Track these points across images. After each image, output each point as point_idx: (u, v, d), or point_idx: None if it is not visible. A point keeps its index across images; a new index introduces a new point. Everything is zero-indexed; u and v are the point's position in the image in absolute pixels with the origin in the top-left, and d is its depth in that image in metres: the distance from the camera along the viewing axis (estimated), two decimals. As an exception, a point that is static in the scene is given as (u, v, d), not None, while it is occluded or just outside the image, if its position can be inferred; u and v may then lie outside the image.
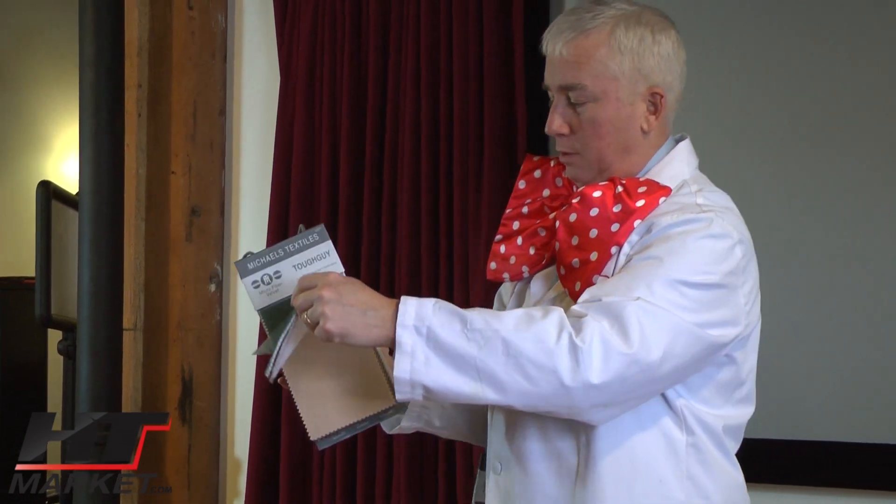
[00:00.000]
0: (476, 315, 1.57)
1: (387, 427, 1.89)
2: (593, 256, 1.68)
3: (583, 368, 1.53)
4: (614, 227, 1.68)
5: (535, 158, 1.84)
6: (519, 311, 1.58)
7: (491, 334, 1.55)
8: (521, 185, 1.84)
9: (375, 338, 1.58)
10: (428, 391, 1.56)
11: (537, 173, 1.83)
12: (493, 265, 1.82)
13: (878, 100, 2.82)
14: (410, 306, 1.56)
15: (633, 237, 1.68)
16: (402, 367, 1.55)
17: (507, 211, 1.84)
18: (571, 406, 1.56)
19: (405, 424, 1.87)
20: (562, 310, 1.57)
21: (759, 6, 2.95)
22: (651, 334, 1.57)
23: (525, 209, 1.82)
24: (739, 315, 1.67)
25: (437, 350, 1.55)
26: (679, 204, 1.69)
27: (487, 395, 1.56)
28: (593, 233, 1.69)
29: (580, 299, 1.63)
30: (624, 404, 1.61)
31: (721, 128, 2.94)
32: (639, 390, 1.60)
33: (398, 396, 1.58)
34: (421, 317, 1.56)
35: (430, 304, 1.57)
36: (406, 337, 1.55)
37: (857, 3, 2.86)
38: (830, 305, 2.83)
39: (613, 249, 1.68)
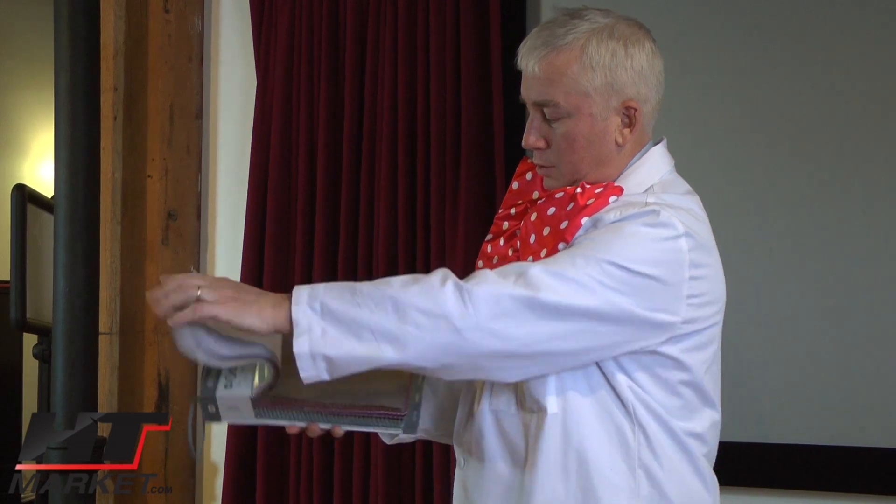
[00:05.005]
0: (366, 284, 1.60)
1: (386, 438, 1.90)
2: (543, 253, 1.70)
3: (470, 307, 1.55)
4: (563, 225, 1.70)
5: (530, 161, 1.85)
6: (406, 275, 1.62)
7: (379, 296, 1.57)
8: (515, 186, 1.86)
9: (268, 318, 1.58)
10: (329, 361, 1.57)
11: (529, 175, 1.85)
12: (480, 264, 1.85)
13: (854, 103, 2.84)
14: (304, 289, 1.59)
15: (579, 232, 1.69)
16: (301, 343, 1.57)
17: (500, 211, 1.86)
18: (467, 351, 1.57)
19: (404, 435, 1.89)
20: (447, 269, 1.60)
21: (735, 12, 2.98)
22: (554, 286, 1.58)
23: (513, 210, 1.84)
24: (676, 306, 1.65)
25: (332, 321, 1.57)
26: (627, 201, 1.70)
27: (386, 353, 1.57)
28: (546, 231, 1.71)
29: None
30: (532, 361, 1.61)
31: (694, 129, 2.96)
32: (543, 342, 1.59)
33: (302, 374, 1.58)
34: (314, 295, 1.58)
35: (322, 285, 1.60)
36: (301, 314, 1.57)
37: (832, 9, 2.88)
38: (799, 310, 2.86)
39: (560, 246, 1.69)
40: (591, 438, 1.68)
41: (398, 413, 1.70)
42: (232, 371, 1.67)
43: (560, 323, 1.59)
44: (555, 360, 1.64)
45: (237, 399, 1.65)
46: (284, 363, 1.68)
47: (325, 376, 1.59)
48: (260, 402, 1.66)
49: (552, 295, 1.58)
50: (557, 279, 1.59)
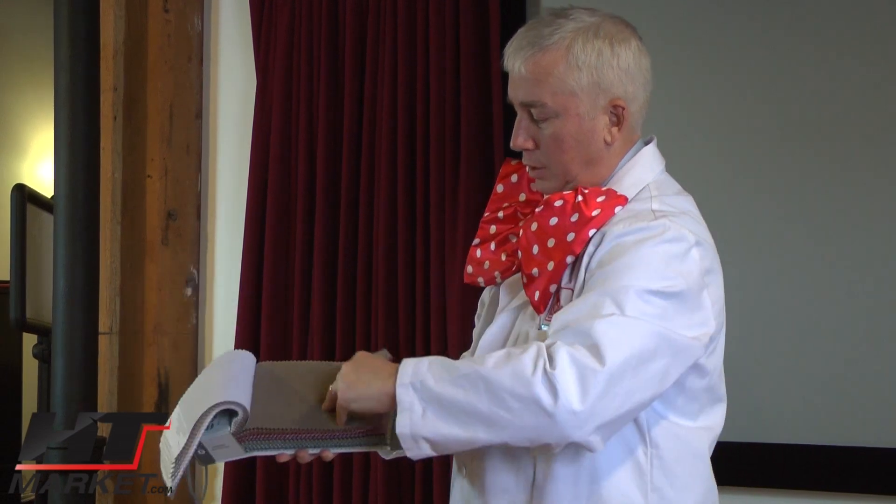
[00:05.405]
0: (464, 362, 1.62)
1: (384, 454, 1.90)
2: (550, 266, 1.69)
3: (561, 395, 1.54)
4: (570, 237, 1.69)
5: (513, 162, 1.85)
6: (501, 351, 1.62)
7: (474, 376, 1.58)
8: (500, 188, 1.85)
9: (379, 402, 1.64)
10: (430, 442, 1.61)
11: (514, 177, 1.84)
12: (469, 269, 1.84)
13: (855, 102, 2.84)
14: (408, 366, 1.62)
15: (590, 248, 1.68)
16: (403, 423, 1.60)
17: (486, 214, 1.85)
18: (563, 434, 1.57)
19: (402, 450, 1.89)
20: (541, 343, 1.59)
21: (728, 10, 2.98)
22: (624, 344, 1.57)
23: (501, 214, 1.83)
24: (707, 316, 1.66)
25: (431, 402, 1.60)
26: (633, 211, 1.69)
27: (480, 435, 1.59)
28: (551, 242, 1.70)
29: (550, 329, 1.64)
30: (618, 420, 1.60)
31: (696, 127, 2.96)
32: (628, 402, 1.59)
33: (408, 454, 1.63)
34: (417, 373, 1.61)
35: (426, 361, 1.63)
36: (404, 394, 1.60)
37: (831, 7, 2.89)
38: (800, 309, 2.86)
39: (568, 259, 1.69)
40: (602, 463, 1.67)
41: (379, 430, 1.71)
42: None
43: (635, 377, 1.58)
44: (636, 413, 1.64)
45: (221, 438, 1.69)
46: (265, 391, 1.72)
47: (430, 453, 1.63)
48: (243, 436, 1.69)
49: (621, 350, 1.57)
50: (619, 330, 1.58)
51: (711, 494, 1.77)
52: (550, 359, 1.56)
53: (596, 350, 1.56)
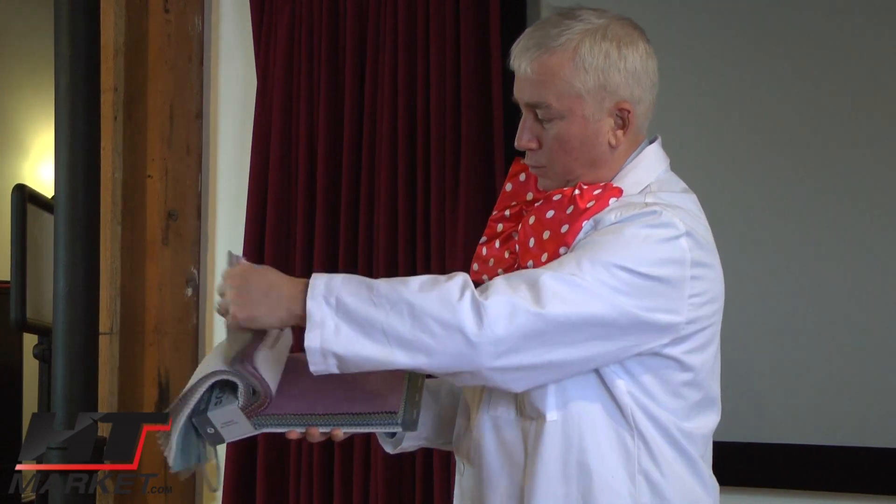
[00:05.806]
0: (383, 283, 1.60)
1: (390, 448, 1.90)
2: (543, 258, 1.69)
3: (486, 323, 1.55)
4: (564, 229, 1.69)
5: (523, 161, 1.85)
6: (425, 276, 1.61)
7: (396, 298, 1.57)
8: (508, 187, 1.85)
9: (281, 317, 1.61)
10: (339, 359, 1.58)
11: (522, 176, 1.84)
12: (475, 266, 1.84)
13: (854, 103, 2.85)
14: (321, 280, 1.60)
15: (580, 235, 1.69)
16: (312, 338, 1.58)
17: (494, 213, 1.85)
18: (479, 364, 1.57)
19: (407, 444, 1.89)
20: (466, 274, 1.60)
21: (733, 11, 2.98)
22: (565, 296, 1.58)
23: (508, 212, 1.83)
24: (679, 306, 1.65)
25: (346, 318, 1.57)
26: (626, 202, 1.70)
27: (397, 357, 1.58)
28: (546, 234, 1.70)
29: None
30: (542, 371, 1.61)
31: (692, 129, 2.96)
32: (556, 354, 1.59)
33: (312, 368, 1.59)
34: (330, 289, 1.59)
35: (339, 277, 1.61)
36: (315, 308, 1.58)
37: (831, 8, 2.89)
38: (800, 309, 2.86)
39: (562, 250, 1.69)
40: (590, 445, 1.68)
41: (393, 411, 1.70)
42: (212, 392, 1.68)
43: (571, 333, 1.60)
44: (564, 369, 1.64)
45: (230, 412, 1.67)
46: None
47: (335, 371, 1.60)
48: (252, 411, 1.67)
49: (563, 306, 1.58)
50: (567, 287, 1.59)
51: (699, 496, 1.75)
52: (485, 290, 1.57)
53: (537, 294, 1.57)
